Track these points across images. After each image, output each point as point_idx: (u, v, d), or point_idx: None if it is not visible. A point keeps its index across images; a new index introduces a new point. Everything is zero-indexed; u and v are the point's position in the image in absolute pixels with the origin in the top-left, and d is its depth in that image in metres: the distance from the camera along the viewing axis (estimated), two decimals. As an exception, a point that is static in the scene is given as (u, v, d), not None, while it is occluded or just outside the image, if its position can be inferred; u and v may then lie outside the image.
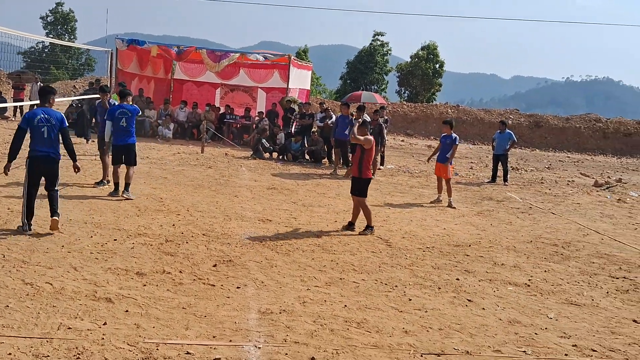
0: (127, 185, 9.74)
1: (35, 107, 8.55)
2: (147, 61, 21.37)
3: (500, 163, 15.37)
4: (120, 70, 20.50)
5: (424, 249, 8.05)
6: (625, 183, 17.31)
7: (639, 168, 23.80)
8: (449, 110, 32.48)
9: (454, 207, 11.39)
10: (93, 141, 15.21)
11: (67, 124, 7.59)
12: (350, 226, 8.81)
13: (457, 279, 6.76)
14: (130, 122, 9.85)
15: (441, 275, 6.90)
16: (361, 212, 8.78)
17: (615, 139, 31.10)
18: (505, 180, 15.33)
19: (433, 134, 30.54)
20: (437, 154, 11.99)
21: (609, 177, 18.90)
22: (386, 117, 16.86)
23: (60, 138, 7.38)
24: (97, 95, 12.91)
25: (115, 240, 7.17)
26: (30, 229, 7.18)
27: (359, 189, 8.71)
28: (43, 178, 7.42)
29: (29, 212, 7.23)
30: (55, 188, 7.45)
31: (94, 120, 17.29)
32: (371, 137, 8.83)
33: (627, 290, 6.89)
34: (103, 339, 4.46)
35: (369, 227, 8.73)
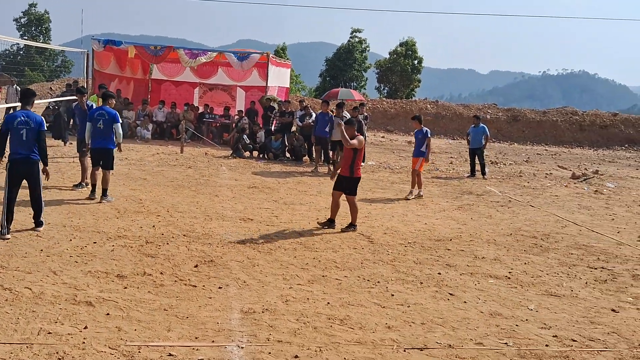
0: (104, 190, 9.56)
1: (11, 110, 8.49)
2: (126, 62, 21.17)
3: (476, 157, 15.52)
4: (98, 71, 20.28)
5: (406, 245, 8.09)
6: (602, 174, 17.55)
7: (615, 159, 24.15)
8: (428, 106, 32.64)
9: (409, 199, 11.64)
10: (71, 143, 15.03)
11: (46, 128, 7.58)
12: (331, 223, 8.80)
13: (439, 273, 6.81)
14: (108, 125, 9.60)
15: (423, 270, 6.94)
16: (344, 209, 8.79)
17: (591, 132, 31.50)
18: (483, 173, 15.48)
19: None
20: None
21: (586, 169, 19.14)
22: (366, 114, 16.92)
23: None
24: (74, 97, 12.74)
25: (94, 243, 7.10)
26: (8, 233, 7.09)
27: (350, 187, 8.72)
28: (26, 182, 7.39)
29: (8, 216, 7.18)
30: (40, 194, 7.47)
31: (71, 122, 17.11)
32: (362, 137, 8.81)
33: (605, 280, 7.00)
34: (84, 343, 4.41)
35: (352, 225, 8.75)
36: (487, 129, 15.97)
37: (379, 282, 6.39)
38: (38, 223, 7.56)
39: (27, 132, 7.25)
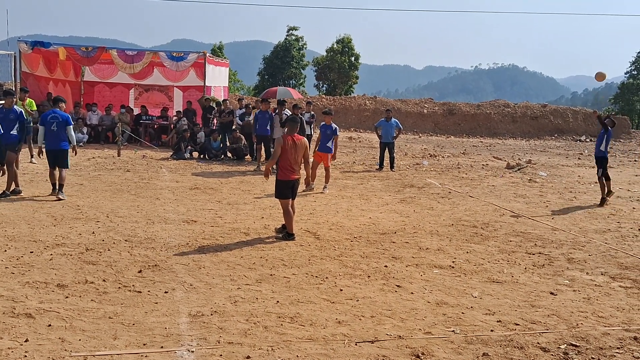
0: (60, 186, 10.08)
1: None
2: (56, 63, 20.41)
3: (387, 150, 15.82)
4: (29, 73, 19.45)
5: (352, 239, 8.16)
6: (535, 164, 18.25)
7: (546, 149, 25.15)
8: (367, 102, 33.01)
9: (323, 193, 11.89)
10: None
11: None
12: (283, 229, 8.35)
13: (386, 266, 6.90)
14: (61, 127, 10.10)
15: (370, 263, 7.02)
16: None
17: (523, 123, 32.68)
18: (392, 167, 15.81)
19: (353, 125, 30.99)
20: (318, 144, 12.65)
21: (519, 159, 19.85)
22: (312, 113, 16.94)
23: None
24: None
25: (31, 252, 6.81)
26: None
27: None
28: None
29: None
30: None
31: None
32: (280, 143, 8.03)
33: (543, 264, 7.28)
34: (26, 356, 4.22)
35: (284, 231, 8.24)
36: (399, 123, 16.37)
37: (327, 277, 6.41)
38: None
39: None
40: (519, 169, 16.78)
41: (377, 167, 15.95)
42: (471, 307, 5.67)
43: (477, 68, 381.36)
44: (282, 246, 7.65)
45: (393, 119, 16.13)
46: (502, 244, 8.22)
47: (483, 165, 17.72)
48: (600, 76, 11.85)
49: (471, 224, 9.39)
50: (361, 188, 12.78)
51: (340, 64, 48.40)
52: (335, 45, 49.60)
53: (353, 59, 49.72)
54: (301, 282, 6.24)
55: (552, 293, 6.21)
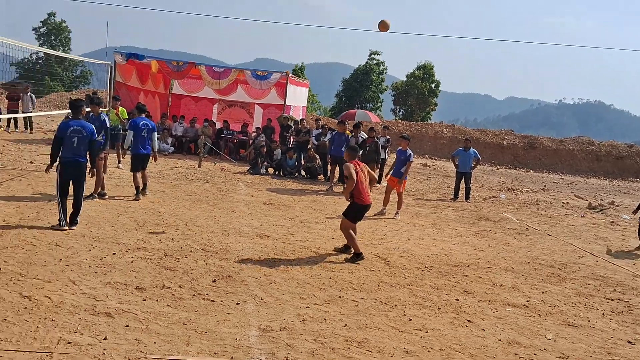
0: (144, 185, 11.14)
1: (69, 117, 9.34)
2: (148, 75, 21.46)
3: (464, 180, 15.48)
4: (122, 83, 20.57)
5: (423, 269, 8.05)
6: (618, 206, 17.42)
7: (630, 191, 23.96)
8: (444, 130, 32.67)
9: (395, 219, 11.81)
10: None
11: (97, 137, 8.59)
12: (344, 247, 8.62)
13: (457, 300, 6.77)
14: (150, 134, 11.05)
15: (440, 295, 6.90)
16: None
17: (607, 162, 31.34)
18: (467, 198, 15.42)
19: (428, 152, 30.71)
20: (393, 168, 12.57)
21: (602, 199, 19.01)
22: (388, 137, 16.98)
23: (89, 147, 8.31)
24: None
25: (114, 254, 7.14)
26: (66, 225, 8.05)
27: (346, 210, 8.45)
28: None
29: (64, 210, 8.08)
30: (82, 195, 8.34)
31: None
32: (351, 166, 8.17)
33: (622, 311, 6.93)
34: (104, 354, 4.43)
35: (348, 251, 8.37)
36: (477, 153, 16.01)
37: (396, 305, 6.36)
38: (74, 222, 8.22)
39: (79, 140, 8.13)
40: (601, 210, 16.08)
41: (452, 197, 15.69)
42: (544, 349, 5.47)
43: (561, 102, 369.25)
44: (352, 269, 7.66)
45: (472, 149, 15.84)
46: (579, 287, 7.88)
47: (563, 203, 17.08)
48: (383, 26, 11.23)
49: (548, 264, 9.06)
50: (434, 217, 12.62)
51: (419, 90, 48.27)
52: (416, 71, 49.56)
53: (433, 85, 49.49)
54: (369, 307, 6.22)
55: (629, 342, 5.90)
